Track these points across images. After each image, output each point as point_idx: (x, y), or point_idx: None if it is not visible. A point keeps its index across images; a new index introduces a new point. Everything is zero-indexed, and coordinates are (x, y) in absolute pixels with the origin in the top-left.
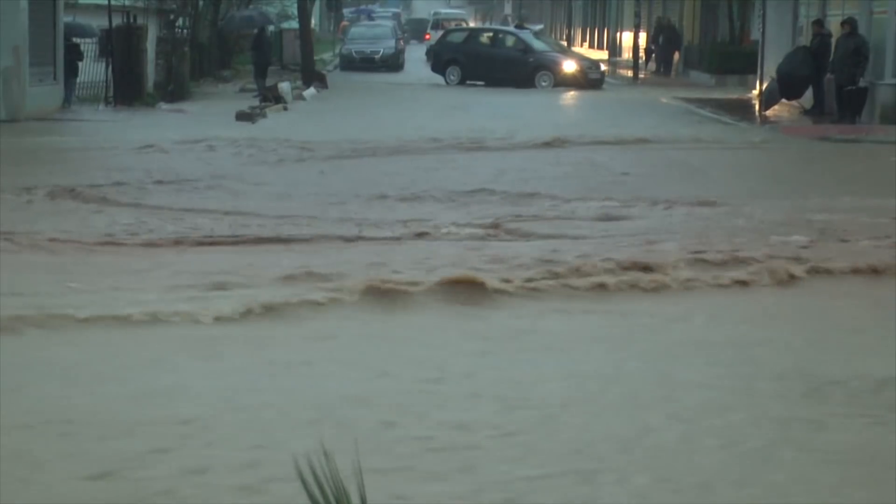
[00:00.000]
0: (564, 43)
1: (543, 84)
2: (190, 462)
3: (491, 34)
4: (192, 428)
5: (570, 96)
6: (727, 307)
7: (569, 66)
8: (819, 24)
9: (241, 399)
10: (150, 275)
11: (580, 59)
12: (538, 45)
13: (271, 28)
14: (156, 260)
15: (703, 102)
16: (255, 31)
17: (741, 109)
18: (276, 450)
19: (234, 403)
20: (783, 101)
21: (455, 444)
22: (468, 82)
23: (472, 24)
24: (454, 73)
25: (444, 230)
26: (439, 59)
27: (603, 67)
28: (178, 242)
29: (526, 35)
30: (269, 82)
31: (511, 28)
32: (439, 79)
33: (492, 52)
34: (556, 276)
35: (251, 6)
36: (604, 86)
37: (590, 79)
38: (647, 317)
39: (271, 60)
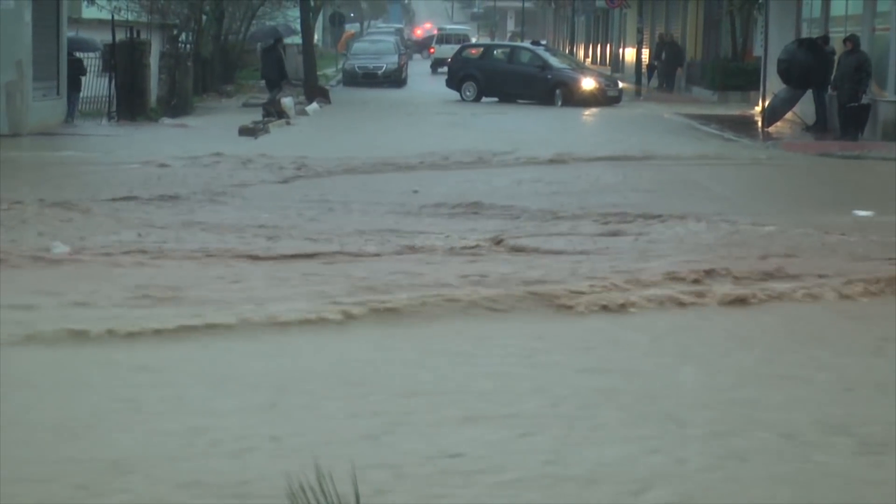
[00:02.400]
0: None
1: (558, 101)
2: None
3: (507, 50)
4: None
5: (578, 113)
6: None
7: (588, 84)
8: (824, 40)
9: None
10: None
11: (597, 75)
12: (555, 61)
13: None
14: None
15: (705, 118)
16: (269, 43)
17: (743, 126)
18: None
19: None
20: (786, 103)
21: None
22: (484, 99)
23: (474, 40)
24: (470, 88)
25: (445, 245)
26: (454, 75)
27: (621, 85)
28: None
29: (543, 52)
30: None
31: (527, 44)
32: (443, 95)
33: (509, 68)
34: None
35: (254, 21)
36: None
37: (608, 96)
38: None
39: (284, 74)
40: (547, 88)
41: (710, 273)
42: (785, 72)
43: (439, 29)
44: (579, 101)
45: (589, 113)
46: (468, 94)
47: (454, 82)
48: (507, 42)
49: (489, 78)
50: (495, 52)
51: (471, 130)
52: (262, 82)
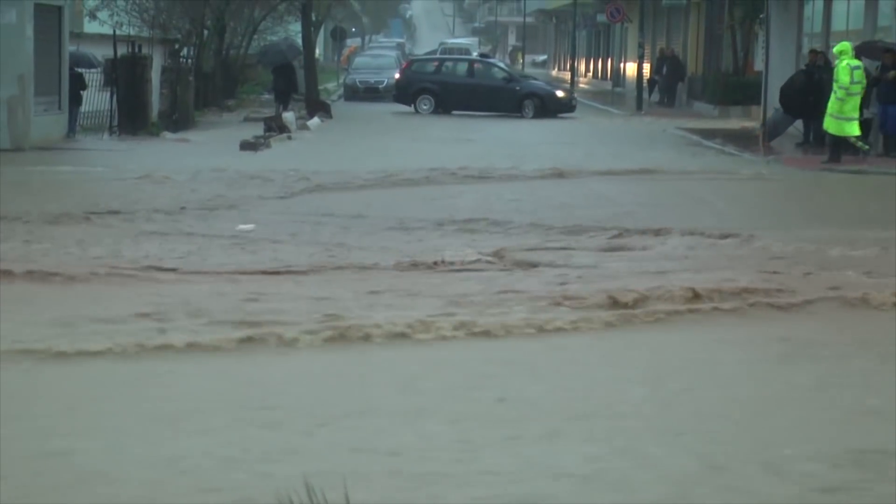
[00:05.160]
0: (561, 73)
1: (528, 112)
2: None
3: (465, 63)
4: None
5: (566, 125)
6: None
7: (559, 93)
8: (814, 52)
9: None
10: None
11: (558, 85)
12: (517, 73)
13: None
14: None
15: (706, 133)
16: (285, 61)
17: (745, 140)
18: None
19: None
20: (787, 126)
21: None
22: (447, 112)
23: (475, 54)
24: (426, 102)
25: (449, 259)
26: (406, 90)
27: (574, 94)
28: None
29: (501, 63)
30: (271, 112)
31: (476, 56)
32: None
33: (471, 81)
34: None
35: (255, 35)
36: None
37: (571, 105)
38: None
39: (296, 88)
40: (515, 100)
41: (715, 289)
42: (785, 104)
43: (441, 43)
44: (549, 110)
45: (586, 125)
46: (424, 107)
47: (406, 97)
48: (457, 56)
49: (448, 91)
50: (446, 65)
51: (470, 145)
52: (265, 97)
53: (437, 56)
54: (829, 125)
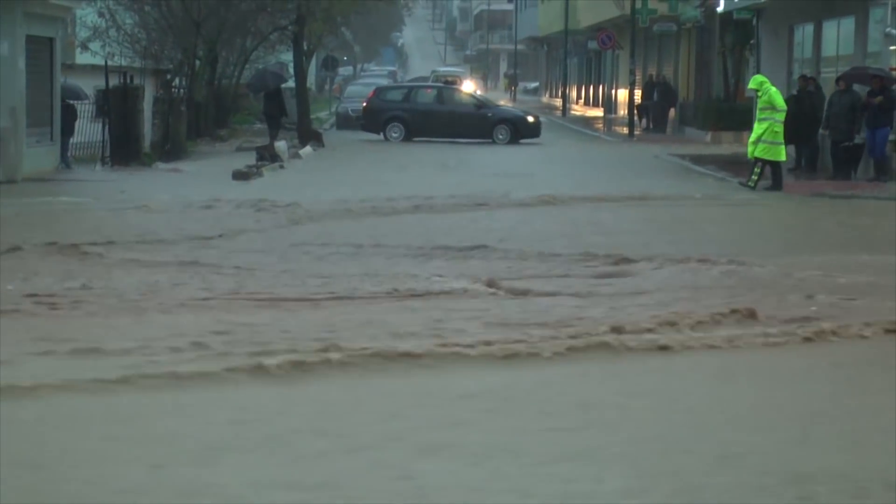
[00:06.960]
0: (559, 100)
1: (501, 137)
2: None
3: (433, 91)
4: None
5: (556, 151)
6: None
7: (529, 118)
8: (804, 78)
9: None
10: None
11: (527, 111)
12: (487, 100)
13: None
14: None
15: (698, 159)
16: (273, 88)
17: (736, 166)
18: None
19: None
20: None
21: None
22: (419, 139)
23: (467, 81)
24: (396, 130)
25: (441, 287)
26: (375, 118)
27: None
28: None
29: (470, 91)
30: (264, 141)
31: (439, 84)
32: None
33: (441, 108)
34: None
35: (247, 65)
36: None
37: (539, 130)
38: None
39: (284, 112)
40: (487, 126)
41: (709, 316)
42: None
43: (433, 71)
44: (521, 135)
45: (576, 151)
46: (394, 135)
47: (375, 125)
48: (428, 83)
49: (418, 118)
50: (414, 92)
51: (460, 173)
52: (257, 126)
53: (405, 83)
54: (763, 152)
